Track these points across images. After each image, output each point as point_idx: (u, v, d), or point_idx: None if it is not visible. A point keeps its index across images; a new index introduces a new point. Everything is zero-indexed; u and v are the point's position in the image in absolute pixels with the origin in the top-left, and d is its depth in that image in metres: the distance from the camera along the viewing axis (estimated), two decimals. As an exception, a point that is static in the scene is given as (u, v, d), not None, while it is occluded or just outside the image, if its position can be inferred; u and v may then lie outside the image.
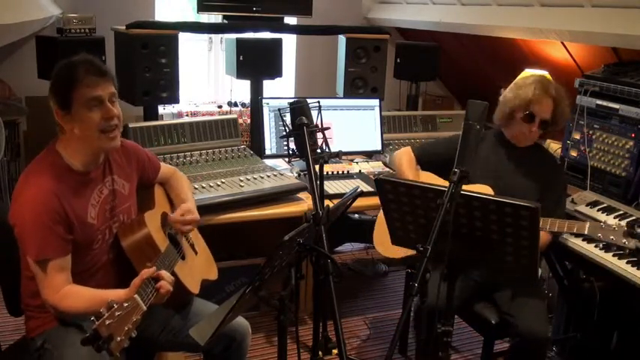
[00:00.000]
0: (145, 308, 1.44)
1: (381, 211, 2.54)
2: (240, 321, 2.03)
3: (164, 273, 1.65)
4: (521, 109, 2.30)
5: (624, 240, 1.91)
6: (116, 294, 1.58)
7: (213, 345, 1.97)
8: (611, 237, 1.94)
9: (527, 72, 3.51)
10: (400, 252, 2.44)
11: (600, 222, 2.03)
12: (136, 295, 1.44)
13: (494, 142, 2.46)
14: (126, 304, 1.39)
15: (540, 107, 2.28)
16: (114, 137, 1.78)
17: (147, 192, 2.10)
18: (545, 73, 3.46)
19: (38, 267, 1.67)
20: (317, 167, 2.23)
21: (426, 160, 2.54)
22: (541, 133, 2.35)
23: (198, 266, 2.12)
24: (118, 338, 1.35)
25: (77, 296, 1.68)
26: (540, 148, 2.49)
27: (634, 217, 2.41)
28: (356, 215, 3.81)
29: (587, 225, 2.01)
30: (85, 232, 1.77)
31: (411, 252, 2.39)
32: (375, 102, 3.39)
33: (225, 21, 3.74)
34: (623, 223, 2.18)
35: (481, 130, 1.70)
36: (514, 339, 2.20)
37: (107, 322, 1.34)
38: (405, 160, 2.55)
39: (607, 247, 2.36)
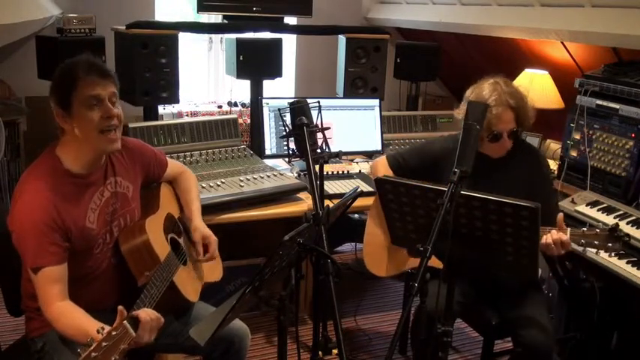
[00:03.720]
0: (134, 334, 1.39)
1: (367, 230, 2.53)
2: (240, 324, 2.03)
3: (146, 313, 1.51)
4: (485, 133, 2.11)
5: (609, 244, 1.88)
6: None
7: (212, 348, 1.96)
8: (595, 242, 1.90)
9: (527, 72, 3.52)
10: (390, 270, 2.44)
11: (582, 228, 1.95)
12: (125, 322, 1.38)
13: None
14: (114, 333, 1.35)
15: (502, 124, 2.12)
16: (114, 139, 1.76)
17: (152, 192, 2.08)
18: (544, 73, 3.47)
19: (34, 275, 1.66)
20: (317, 167, 2.23)
21: (400, 173, 2.45)
22: (512, 140, 2.18)
23: (201, 270, 2.10)
24: None
25: (69, 321, 1.63)
26: (517, 147, 2.26)
27: (633, 218, 2.41)
28: (356, 215, 3.80)
29: (569, 231, 1.93)
30: (83, 238, 1.76)
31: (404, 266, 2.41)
32: (375, 102, 3.39)
33: (225, 21, 3.73)
34: (606, 221, 2.12)
35: (481, 130, 1.70)
36: (516, 349, 2.18)
37: (93, 354, 1.29)
38: (381, 172, 2.45)
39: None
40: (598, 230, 1.91)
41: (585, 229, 1.94)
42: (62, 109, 1.70)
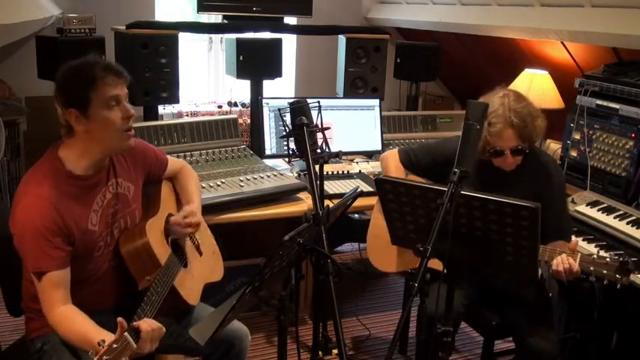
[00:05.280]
0: (135, 346, 1.37)
1: (373, 223, 2.54)
2: (240, 327, 2.02)
3: (147, 324, 1.49)
4: (485, 147, 2.08)
5: (617, 275, 1.83)
6: (108, 336, 1.47)
7: (212, 350, 1.96)
8: (604, 271, 1.85)
9: (527, 72, 3.52)
10: (393, 266, 2.43)
11: (593, 254, 1.91)
12: (126, 333, 1.36)
13: (479, 167, 2.07)
14: (115, 346, 1.32)
15: (502, 141, 2.06)
16: (132, 137, 1.77)
17: (153, 192, 2.07)
18: (544, 73, 3.47)
19: (36, 279, 1.65)
20: (317, 167, 2.23)
21: (411, 170, 2.46)
22: (521, 156, 2.11)
23: (201, 271, 2.09)
24: None
25: (71, 326, 1.62)
26: (532, 161, 2.18)
27: (633, 218, 2.41)
28: (356, 215, 3.80)
29: (579, 257, 1.91)
30: (85, 240, 1.74)
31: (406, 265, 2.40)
32: (375, 102, 3.39)
33: (225, 21, 3.74)
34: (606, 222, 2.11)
35: (481, 131, 1.70)
36: (519, 351, 2.18)
37: None
38: (392, 165, 2.48)
39: (607, 248, 2.37)
40: (608, 260, 1.86)
41: (596, 256, 1.89)
42: (78, 109, 1.67)
